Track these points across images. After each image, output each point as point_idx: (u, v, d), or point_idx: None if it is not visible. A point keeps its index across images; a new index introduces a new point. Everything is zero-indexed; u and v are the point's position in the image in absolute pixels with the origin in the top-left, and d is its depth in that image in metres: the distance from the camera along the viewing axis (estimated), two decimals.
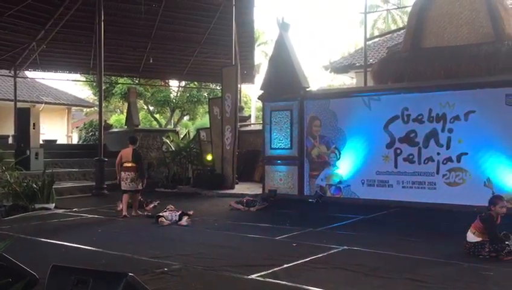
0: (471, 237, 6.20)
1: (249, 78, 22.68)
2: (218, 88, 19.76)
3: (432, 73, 11.13)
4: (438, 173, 10.64)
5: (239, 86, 17.80)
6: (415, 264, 5.84)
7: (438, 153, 10.67)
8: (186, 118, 34.54)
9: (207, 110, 19.89)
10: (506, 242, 5.99)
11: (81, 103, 30.54)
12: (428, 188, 10.72)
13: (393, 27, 32.59)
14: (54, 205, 11.10)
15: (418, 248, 6.67)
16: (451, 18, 11.43)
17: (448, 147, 10.58)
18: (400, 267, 5.64)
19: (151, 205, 10.74)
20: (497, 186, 9.81)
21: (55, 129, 26.78)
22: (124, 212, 9.76)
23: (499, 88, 10.05)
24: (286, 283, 5.01)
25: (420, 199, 10.65)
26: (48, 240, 7.50)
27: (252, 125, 21.42)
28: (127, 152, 9.96)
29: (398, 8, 34.22)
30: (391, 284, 5.01)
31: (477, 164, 10.21)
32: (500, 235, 6.07)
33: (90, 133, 22.26)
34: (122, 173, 9.86)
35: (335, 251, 6.56)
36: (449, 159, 10.54)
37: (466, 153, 10.36)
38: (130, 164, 9.82)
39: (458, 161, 10.44)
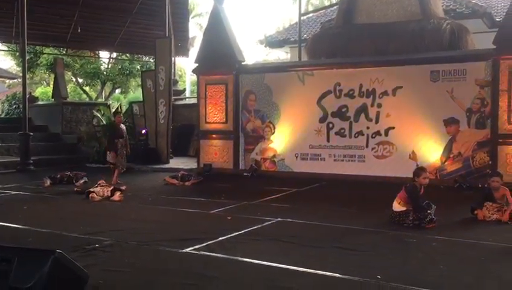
0: (397, 206, 6.53)
1: (183, 50, 22.18)
2: (152, 61, 19.20)
3: (363, 49, 11.42)
4: (367, 146, 11.05)
5: (173, 58, 17.41)
6: (345, 233, 6.09)
7: (368, 127, 11.07)
8: (118, 91, 33.44)
9: (140, 83, 19.33)
10: (428, 211, 6.36)
11: (3, 74, 28.82)
12: (358, 161, 11.13)
13: (327, 3, 33.00)
14: None
15: (348, 218, 6.95)
16: None
17: (377, 122, 10.99)
18: (331, 237, 5.84)
19: (82, 181, 10.36)
20: (421, 159, 10.40)
21: None
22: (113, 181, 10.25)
23: (424, 65, 10.53)
24: (221, 255, 5.05)
25: (351, 172, 11.06)
26: None
27: (186, 99, 21.11)
28: None
29: None
30: (323, 253, 5.18)
31: (403, 137, 10.71)
32: (423, 205, 6.43)
33: (14, 106, 20.93)
34: None
35: (269, 223, 6.68)
36: (378, 133, 10.97)
37: (393, 127, 10.82)
38: None
39: (386, 134, 10.89)
